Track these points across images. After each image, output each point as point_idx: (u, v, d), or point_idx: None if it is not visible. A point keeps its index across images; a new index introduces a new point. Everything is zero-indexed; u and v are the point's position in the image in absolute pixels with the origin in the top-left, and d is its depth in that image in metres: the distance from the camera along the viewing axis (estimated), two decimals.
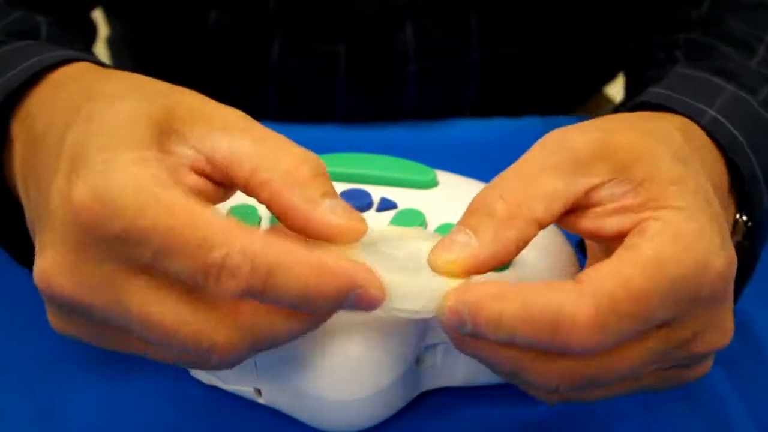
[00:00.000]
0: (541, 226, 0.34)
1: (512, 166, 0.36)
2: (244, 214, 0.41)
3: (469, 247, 0.34)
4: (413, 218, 0.41)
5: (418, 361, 0.41)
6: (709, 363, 0.37)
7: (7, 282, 0.47)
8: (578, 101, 0.76)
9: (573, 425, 0.42)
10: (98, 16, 0.65)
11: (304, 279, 0.30)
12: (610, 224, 0.35)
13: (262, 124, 0.61)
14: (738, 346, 0.45)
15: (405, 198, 0.44)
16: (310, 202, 0.33)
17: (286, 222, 0.34)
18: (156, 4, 0.63)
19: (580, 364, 0.33)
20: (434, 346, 0.40)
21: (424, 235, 0.37)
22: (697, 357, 0.35)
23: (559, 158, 0.35)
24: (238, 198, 0.42)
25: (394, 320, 0.38)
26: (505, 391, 0.43)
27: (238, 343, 0.32)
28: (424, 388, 0.42)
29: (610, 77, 0.77)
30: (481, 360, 0.34)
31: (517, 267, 0.40)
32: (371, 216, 0.43)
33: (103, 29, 0.77)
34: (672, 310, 0.33)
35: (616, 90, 0.70)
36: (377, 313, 0.33)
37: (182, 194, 0.31)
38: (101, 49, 0.68)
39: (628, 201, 0.35)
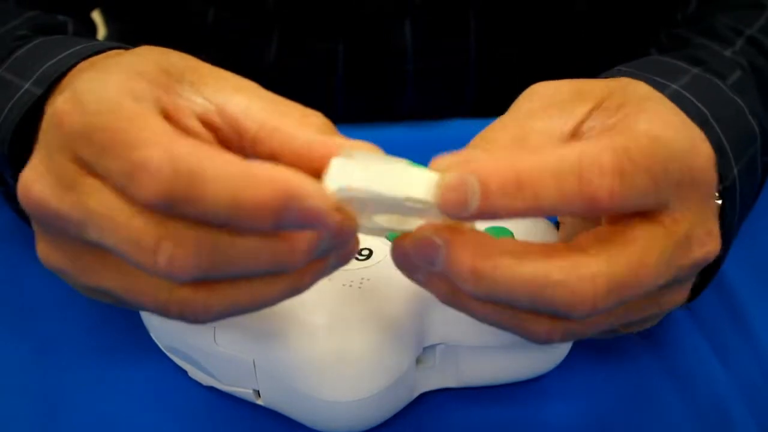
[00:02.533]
0: None
1: (499, 118, 0.36)
2: None
3: (474, 156, 0.31)
4: None
5: (417, 361, 0.41)
6: (689, 286, 0.36)
7: (8, 282, 0.47)
8: None
9: (571, 426, 0.42)
10: (96, 17, 0.65)
11: (231, 187, 0.28)
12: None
13: None
14: (737, 343, 0.46)
15: None
16: (323, 135, 0.33)
17: (299, 163, 0.32)
18: (153, 2, 0.63)
19: (605, 261, 0.31)
20: (434, 347, 0.40)
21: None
22: (691, 268, 0.34)
23: (541, 104, 0.36)
24: None
25: (394, 321, 0.38)
26: (505, 393, 0.43)
27: (191, 252, 0.29)
28: (424, 389, 0.42)
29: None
30: (494, 292, 0.31)
31: None
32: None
33: (101, 30, 0.77)
34: (672, 187, 0.32)
35: None
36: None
37: (148, 105, 0.31)
38: None
39: (610, 122, 0.35)
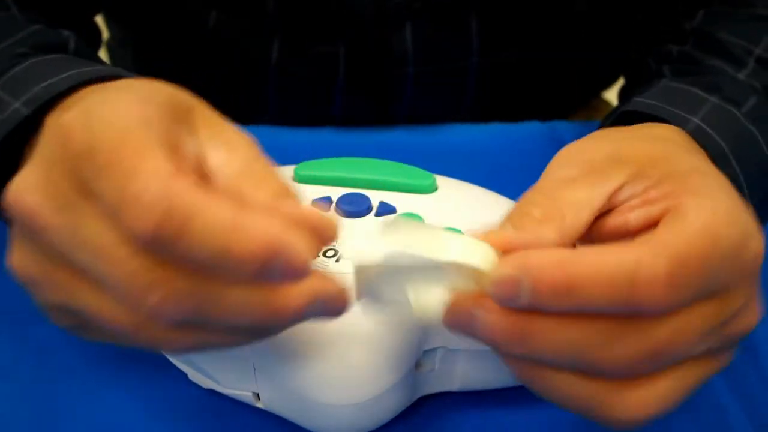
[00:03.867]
0: (576, 233, 0.34)
1: (533, 185, 0.36)
2: None
3: (507, 233, 0.33)
4: None
5: (417, 365, 0.41)
6: (732, 354, 0.36)
7: (6, 286, 0.47)
8: (577, 105, 0.76)
9: (571, 430, 0.42)
10: (98, 19, 0.65)
11: (220, 234, 0.28)
12: (636, 217, 0.35)
13: (262, 126, 0.61)
14: (737, 354, 0.46)
15: (404, 202, 0.44)
16: (280, 196, 0.32)
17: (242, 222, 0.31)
18: (155, 5, 0.63)
19: (646, 333, 0.32)
20: (433, 350, 0.40)
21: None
22: (731, 339, 0.35)
23: (577, 171, 0.36)
24: None
25: (394, 325, 0.38)
26: (504, 396, 0.43)
27: (182, 300, 0.29)
28: (423, 393, 0.42)
29: (609, 82, 0.77)
30: (532, 350, 0.31)
31: None
32: (370, 220, 0.43)
33: (103, 34, 0.77)
34: (725, 277, 0.33)
35: (614, 94, 0.71)
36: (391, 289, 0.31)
37: (156, 136, 0.31)
38: (101, 53, 0.68)
39: (651, 195, 0.35)
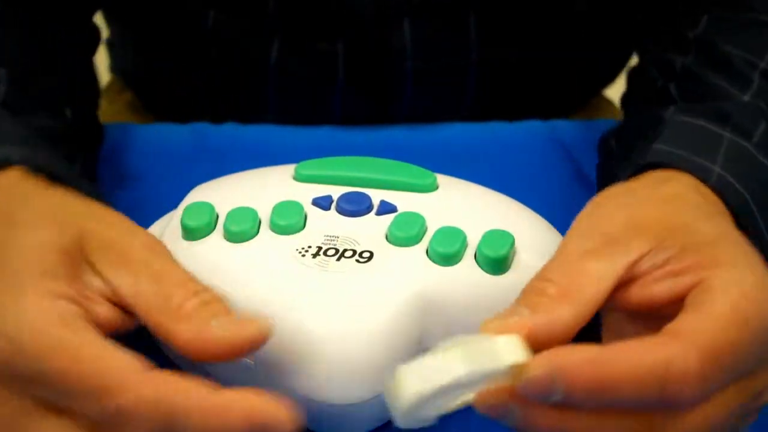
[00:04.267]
0: (594, 306, 0.34)
1: (552, 257, 0.36)
2: (242, 217, 0.41)
3: (523, 317, 0.33)
4: (413, 222, 0.41)
5: None
6: (758, 412, 0.37)
7: None
8: (577, 104, 0.76)
9: None
10: (98, 18, 0.65)
11: (202, 422, 0.30)
12: (661, 290, 0.35)
13: (262, 125, 0.61)
14: None
15: (405, 201, 0.44)
16: (201, 328, 0.33)
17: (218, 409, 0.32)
18: (154, 5, 0.63)
19: (680, 424, 0.33)
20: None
21: None
22: (760, 406, 0.36)
23: (594, 243, 0.36)
24: (235, 201, 0.43)
25: (393, 324, 0.38)
26: None
27: None
28: None
29: (609, 80, 0.77)
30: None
31: (516, 271, 0.40)
32: (371, 219, 0.42)
33: (103, 32, 0.77)
34: (755, 358, 0.33)
35: (615, 91, 0.70)
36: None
37: (87, 334, 0.32)
38: (100, 52, 0.68)
39: (673, 266, 0.35)
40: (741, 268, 0.34)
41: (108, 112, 0.58)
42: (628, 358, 0.31)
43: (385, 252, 0.41)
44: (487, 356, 0.31)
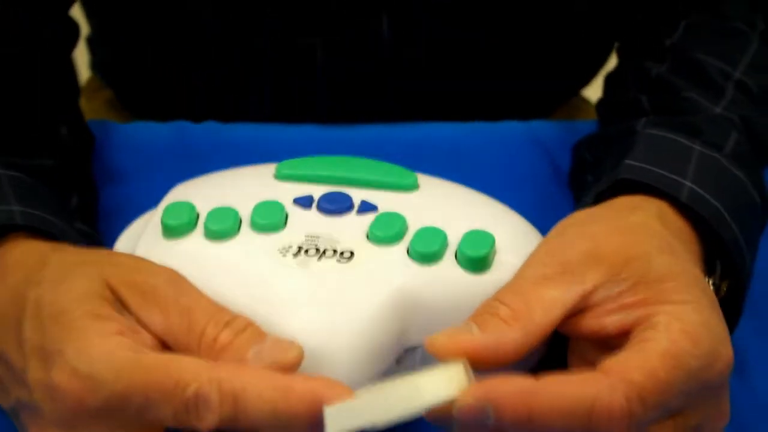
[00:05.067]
0: (542, 332, 0.36)
1: (508, 282, 0.37)
2: (223, 216, 0.41)
3: (470, 334, 0.35)
4: (393, 221, 0.42)
5: (397, 362, 0.41)
6: None
7: None
8: (556, 104, 0.76)
9: None
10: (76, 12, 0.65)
11: (270, 400, 0.32)
12: (612, 322, 0.36)
13: (242, 123, 0.61)
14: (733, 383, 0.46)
15: (385, 201, 0.44)
16: (240, 360, 0.35)
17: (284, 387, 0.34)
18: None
19: None
20: (414, 349, 0.41)
21: None
22: None
23: (551, 271, 0.37)
24: (216, 200, 0.43)
25: (374, 321, 0.38)
26: None
27: None
28: None
29: (587, 81, 0.77)
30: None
31: (496, 270, 0.40)
32: (352, 218, 0.43)
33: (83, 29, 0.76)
34: (686, 399, 0.34)
35: (593, 92, 0.71)
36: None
37: (151, 352, 0.34)
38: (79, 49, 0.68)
39: (626, 300, 0.36)
40: (688, 305, 0.35)
41: (86, 109, 0.58)
42: (557, 391, 0.32)
43: (366, 251, 0.41)
44: (410, 397, 0.32)
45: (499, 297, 0.36)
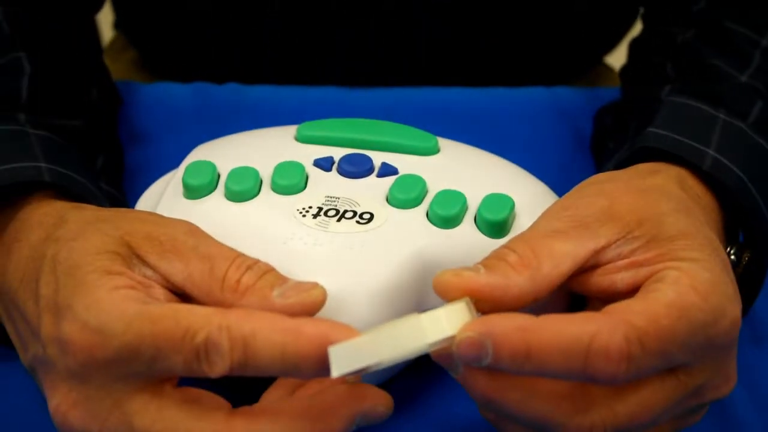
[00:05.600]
0: (551, 283, 0.35)
1: (521, 233, 0.37)
2: (243, 176, 0.41)
3: (477, 273, 0.35)
4: (413, 184, 0.42)
5: None
6: (703, 412, 0.38)
7: None
8: (579, 70, 0.75)
9: None
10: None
11: (279, 343, 0.32)
12: (622, 279, 0.36)
13: (263, 85, 0.61)
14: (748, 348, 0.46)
15: (406, 164, 0.44)
16: (264, 300, 0.35)
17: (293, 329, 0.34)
18: None
19: (609, 408, 0.34)
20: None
21: None
22: (704, 404, 0.36)
23: (565, 225, 0.37)
24: (237, 161, 0.43)
25: (392, 283, 0.38)
26: None
27: None
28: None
29: (610, 47, 0.76)
30: (501, 409, 0.35)
31: (516, 234, 0.40)
32: (372, 181, 0.43)
33: (108, 16, 0.77)
34: (690, 353, 0.34)
35: (617, 58, 0.70)
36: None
37: (160, 302, 0.34)
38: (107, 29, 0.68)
39: (638, 257, 0.36)
40: (698, 263, 0.35)
41: (111, 69, 0.58)
42: (556, 328, 0.32)
43: (386, 214, 0.41)
44: (413, 335, 0.32)
45: (509, 245, 0.36)
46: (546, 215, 0.38)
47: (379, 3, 0.61)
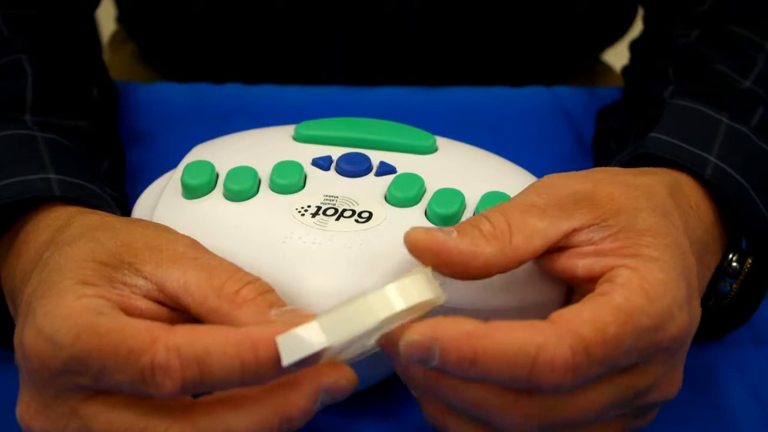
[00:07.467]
0: (519, 257, 0.35)
1: (500, 203, 0.37)
2: (242, 176, 0.41)
3: (448, 235, 0.35)
4: (412, 183, 0.42)
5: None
6: (655, 412, 0.38)
7: None
8: (577, 69, 0.75)
9: None
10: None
11: (237, 355, 0.31)
12: (582, 265, 0.36)
13: (263, 85, 0.61)
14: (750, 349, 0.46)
15: (404, 163, 0.44)
16: (261, 316, 0.34)
17: (246, 339, 0.33)
18: None
19: (548, 404, 0.34)
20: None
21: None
22: (650, 406, 0.36)
23: (544, 201, 0.37)
24: (235, 160, 0.43)
25: (391, 282, 0.38)
26: None
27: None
28: None
29: (607, 45, 0.76)
30: (439, 394, 0.35)
31: None
32: (370, 180, 0.43)
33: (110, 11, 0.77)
34: (636, 357, 0.34)
35: (616, 57, 0.70)
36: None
37: (117, 316, 0.33)
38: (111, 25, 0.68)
39: (604, 245, 0.36)
40: (656, 262, 0.35)
41: (112, 62, 0.58)
42: (503, 336, 0.32)
43: (384, 212, 0.41)
44: (361, 314, 0.32)
45: (485, 213, 0.36)
46: (530, 188, 0.38)
47: (380, 3, 0.61)
